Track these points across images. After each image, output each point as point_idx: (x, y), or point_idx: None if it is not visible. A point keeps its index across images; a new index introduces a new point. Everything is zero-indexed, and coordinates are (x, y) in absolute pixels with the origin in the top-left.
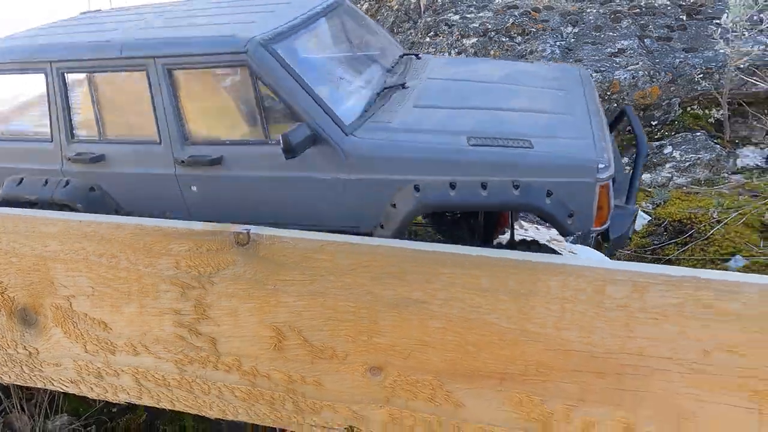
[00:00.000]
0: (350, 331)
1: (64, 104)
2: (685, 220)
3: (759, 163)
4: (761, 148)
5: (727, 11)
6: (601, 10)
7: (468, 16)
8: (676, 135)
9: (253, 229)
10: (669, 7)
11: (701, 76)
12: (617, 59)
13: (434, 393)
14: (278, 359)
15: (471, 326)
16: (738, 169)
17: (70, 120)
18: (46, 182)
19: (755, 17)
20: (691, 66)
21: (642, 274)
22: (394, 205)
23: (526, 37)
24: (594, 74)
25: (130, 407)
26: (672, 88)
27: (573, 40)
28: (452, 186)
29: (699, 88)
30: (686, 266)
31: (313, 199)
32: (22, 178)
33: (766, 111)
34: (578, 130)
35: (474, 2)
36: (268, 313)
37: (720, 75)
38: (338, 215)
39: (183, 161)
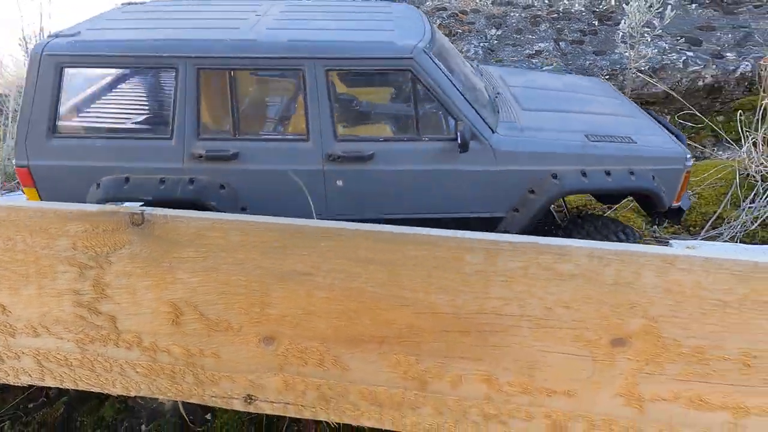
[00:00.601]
0: (243, 304)
1: (195, 101)
2: (582, 207)
3: None
4: None
5: (625, 18)
6: (522, 14)
7: None
8: None
9: (148, 210)
10: (583, 13)
11: (607, 77)
12: (534, 60)
13: (323, 358)
14: (177, 334)
15: (351, 295)
16: None
17: (199, 117)
18: (163, 181)
19: (654, 22)
20: (599, 68)
21: (493, 242)
22: (532, 191)
23: (453, 38)
24: None
25: (47, 402)
26: None
27: (496, 41)
28: (584, 174)
29: None
30: None
31: (459, 190)
32: (128, 178)
33: (665, 110)
34: (654, 129)
35: (405, 3)
36: (165, 290)
37: (623, 76)
38: (478, 203)
39: (336, 157)
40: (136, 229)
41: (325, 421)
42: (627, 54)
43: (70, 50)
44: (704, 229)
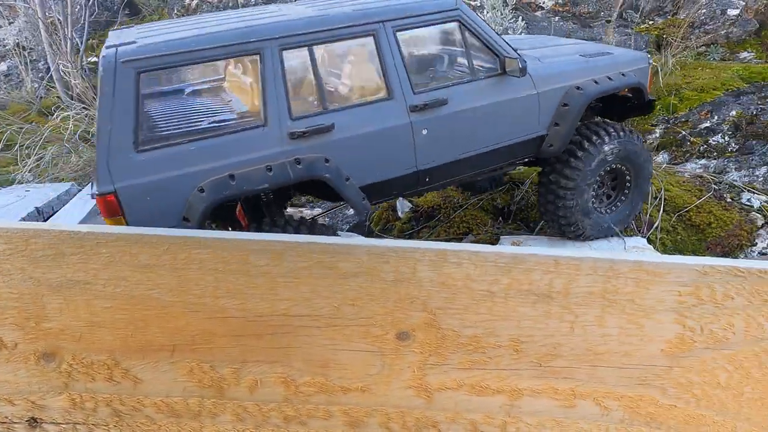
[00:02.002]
0: (16, 319)
1: (283, 83)
2: (435, 207)
3: None
4: None
5: None
6: None
7: None
8: None
9: None
10: None
11: None
12: None
13: (112, 372)
14: None
15: (137, 303)
16: None
17: (288, 98)
18: (270, 168)
19: (509, 32)
20: None
21: (277, 242)
22: (565, 105)
23: None
24: None
25: None
26: None
27: None
28: (596, 82)
29: None
30: None
31: (516, 114)
32: (232, 175)
33: None
34: (614, 47)
35: None
36: None
37: None
38: (528, 125)
39: (418, 107)
40: None
41: None
42: None
43: (147, 53)
44: (539, 226)
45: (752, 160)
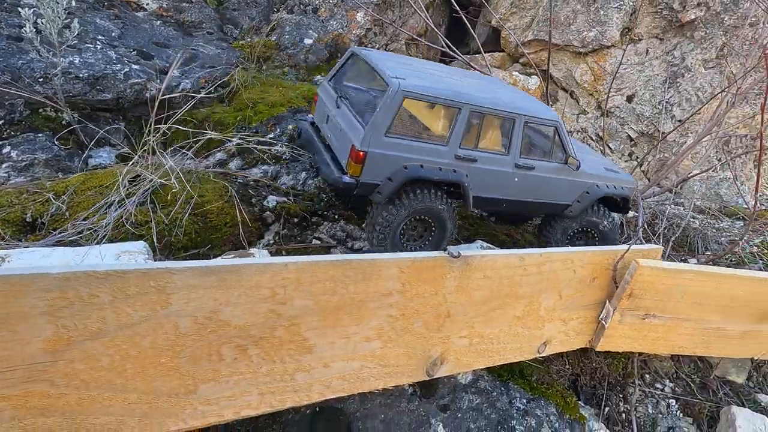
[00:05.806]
0: None
1: (464, 127)
2: None
3: (111, 162)
4: (118, 149)
5: (27, 22)
6: None
7: None
8: (20, 135)
9: None
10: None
11: (42, 80)
12: None
13: None
14: None
15: None
16: (91, 167)
17: (463, 136)
18: (441, 169)
19: (66, 32)
20: (32, 69)
21: None
22: (587, 192)
23: None
24: None
25: None
26: (12, 89)
27: None
28: (607, 186)
29: (41, 91)
30: None
31: (562, 188)
32: (422, 165)
33: (121, 116)
34: (619, 167)
35: None
36: None
37: (61, 81)
38: (565, 197)
39: (519, 166)
40: None
41: None
42: (52, 61)
43: (413, 89)
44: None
45: (297, 166)
